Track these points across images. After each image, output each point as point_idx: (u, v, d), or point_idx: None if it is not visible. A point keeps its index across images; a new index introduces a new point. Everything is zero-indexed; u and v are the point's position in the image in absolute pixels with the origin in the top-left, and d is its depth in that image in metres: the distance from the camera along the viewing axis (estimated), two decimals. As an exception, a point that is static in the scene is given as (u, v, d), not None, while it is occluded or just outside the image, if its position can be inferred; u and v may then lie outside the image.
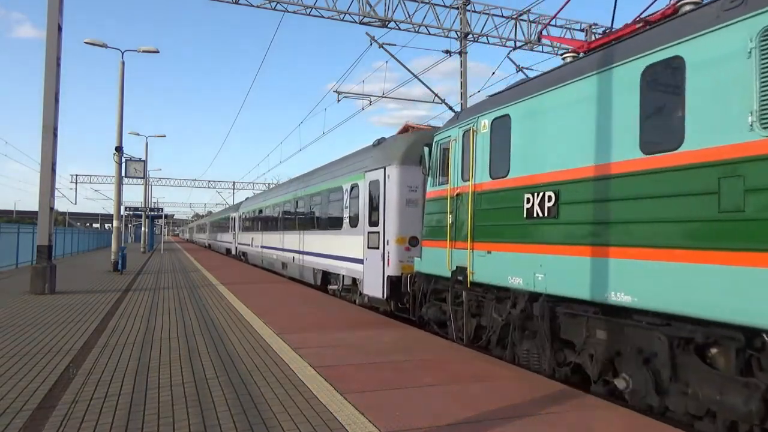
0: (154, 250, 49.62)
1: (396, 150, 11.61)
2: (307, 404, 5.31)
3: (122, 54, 25.18)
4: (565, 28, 22.68)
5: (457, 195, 8.69)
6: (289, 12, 19.13)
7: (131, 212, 51.57)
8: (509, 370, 6.88)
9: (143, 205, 48.77)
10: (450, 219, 8.81)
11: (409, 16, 20.31)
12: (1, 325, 9.35)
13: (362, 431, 4.61)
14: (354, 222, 13.20)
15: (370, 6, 19.63)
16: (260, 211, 27.62)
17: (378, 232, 11.63)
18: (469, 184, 8.32)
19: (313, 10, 19.11)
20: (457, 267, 8.57)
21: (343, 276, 14.06)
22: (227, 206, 57.10)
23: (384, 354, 7.54)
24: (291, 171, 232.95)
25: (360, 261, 12.57)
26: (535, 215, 6.85)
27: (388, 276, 11.16)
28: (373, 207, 12.03)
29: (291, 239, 20.19)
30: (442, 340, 8.80)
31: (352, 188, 13.55)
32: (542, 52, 22.49)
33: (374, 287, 11.73)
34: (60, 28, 14.36)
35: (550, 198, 6.61)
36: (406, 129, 17.17)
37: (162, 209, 58.13)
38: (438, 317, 9.58)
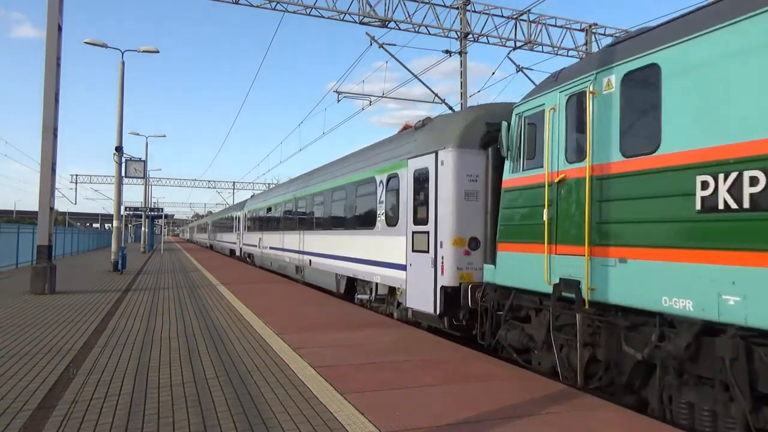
0: (154, 250, 49.63)
1: (451, 130, 9.36)
2: (307, 404, 5.31)
3: (122, 54, 25.22)
4: (565, 28, 22.71)
5: (559, 182, 6.67)
6: (289, 12, 19.14)
7: (131, 212, 51.60)
8: (509, 370, 6.88)
9: (143, 205, 48.80)
10: (547, 214, 6.78)
11: (409, 16, 20.32)
12: (1, 325, 9.35)
13: (362, 431, 4.62)
14: (392, 220, 11.19)
15: (370, 6, 19.64)
16: (269, 209, 25.17)
17: (427, 232, 9.56)
18: (582, 166, 6.29)
19: (313, 10, 19.12)
20: (561, 279, 6.51)
21: (377, 284, 12.04)
22: (227, 206, 57.01)
23: (384, 354, 7.54)
24: (291, 171, 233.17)
25: (401, 267, 10.55)
26: (720, 207, 4.75)
27: (442, 286, 8.99)
28: (420, 201, 9.94)
29: (307, 240, 18.00)
30: (442, 339, 8.79)
31: (389, 180, 11.48)
32: (542, 52, 22.49)
33: (422, 300, 9.61)
34: (60, 28, 14.37)
35: (754, 181, 4.49)
36: (405, 128, 17.12)
37: (162, 209, 58.19)
38: (522, 343, 7.48)
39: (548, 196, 6.82)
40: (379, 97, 22.91)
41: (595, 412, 5.21)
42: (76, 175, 63.71)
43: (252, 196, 36.10)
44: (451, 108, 15.94)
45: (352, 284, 13.94)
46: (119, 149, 23.91)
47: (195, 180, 75.02)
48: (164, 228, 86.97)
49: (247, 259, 31.85)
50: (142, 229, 49.03)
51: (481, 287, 8.49)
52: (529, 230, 7.20)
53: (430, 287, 9.32)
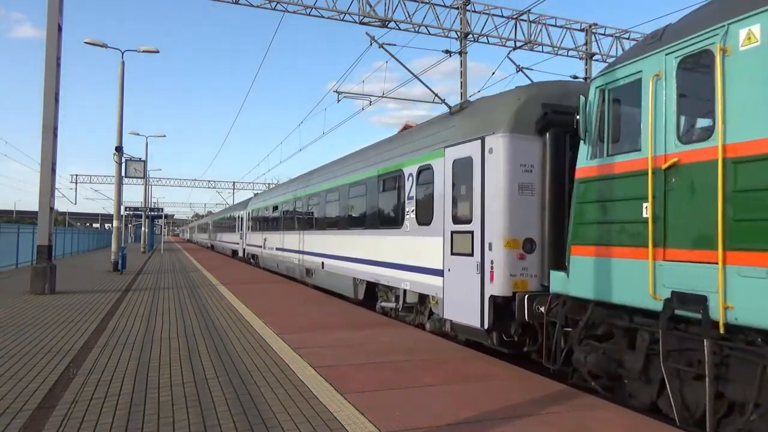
0: (154, 250, 49.63)
1: (501, 112, 8.04)
2: (307, 404, 5.31)
3: (122, 54, 25.23)
4: (565, 28, 22.72)
5: (668, 168, 5.30)
6: (289, 12, 19.16)
7: (131, 212, 51.67)
8: (509, 370, 6.87)
9: (143, 205, 48.83)
10: (651, 209, 5.40)
11: (409, 16, 20.34)
12: (1, 325, 9.35)
13: (362, 431, 4.62)
14: (425, 218, 9.88)
15: (370, 6, 19.65)
16: (275, 208, 23.53)
17: (470, 232, 8.29)
18: (709, 146, 4.94)
19: (313, 10, 19.13)
20: (674, 293, 5.15)
21: (405, 291, 10.77)
22: (227, 206, 56.90)
23: (384, 354, 7.54)
24: (291, 171, 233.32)
25: (437, 272, 9.24)
26: None
27: (492, 296, 7.72)
28: (461, 196, 8.69)
29: (320, 240, 16.47)
30: (441, 339, 8.78)
31: (420, 172, 10.16)
32: (542, 52, 22.50)
33: (464, 311, 8.34)
34: (60, 28, 14.37)
35: None
36: (405, 129, 17.02)
37: (162, 209, 58.24)
38: (608, 370, 6.09)
39: (652, 186, 5.41)
40: (379, 97, 22.95)
41: (595, 412, 5.21)
42: (76, 175, 63.80)
43: (256, 195, 35.07)
44: (450, 107, 15.83)
45: (373, 290, 12.63)
46: (119, 149, 23.92)
47: (195, 180, 75.14)
48: (164, 228, 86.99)
49: (251, 260, 30.69)
50: (142, 229, 49.05)
51: (539, 298, 7.27)
52: (619, 230, 5.82)
53: (475, 297, 8.02)
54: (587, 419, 5.01)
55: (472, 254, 8.23)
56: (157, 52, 25.86)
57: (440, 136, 9.63)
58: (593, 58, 23.29)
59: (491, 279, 7.77)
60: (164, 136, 45.70)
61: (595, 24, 23.18)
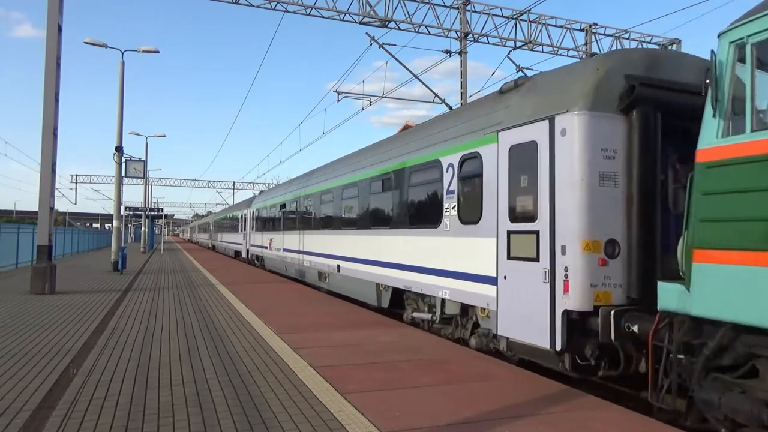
0: (154, 250, 49.64)
1: (577, 86, 6.63)
2: (307, 404, 5.32)
3: (122, 54, 25.24)
4: (565, 28, 22.73)
5: None
6: (289, 12, 19.20)
7: (131, 212, 51.71)
8: (509, 370, 6.88)
9: (143, 205, 48.85)
10: None
11: (409, 16, 20.36)
12: (2, 325, 9.35)
13: (362, 431, 4.62)
14: (471, 215, 8.48)
15: (370, 6, 19.67)
16: (283, 206, 21.99)
17: (535, 232, 6.88)
18: None
19: (313, 10, 19.15)
20: None
21: (444, 300, 9.35)
22: (228, 206, 56.79)
23: (384, 354, 7.54)
24: (291, 171, 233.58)
25: (488, 279, 7.86)
26: None
27: (566, 311, 6.32)
28: (521, 189, 7.25)
29: (336, 241, 14.93)
30: (441, 339, 8.78)
31: (463, 162, 8.75)
32: (542, 52, 22.52)
33: (528, 327, 6.93)
34: (60, 28, 14.39)
35: None
36: (405, 128, 16.96)
37: (162, 209, 58.29)
38: (752, 415, 4.51)
39: None
40: (379, 97, 22.93)
41: (595, 412, 5.21)
42: (76, 175, 63.96)
43: (261, 192, 34.31)
44: (450, 108, 15.73)
45: (400, 297, 11.31)
46: (119, 149, 23.94)
47: (195, 180, 75.46)
48: (164, 228, 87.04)
49: (255, 261, 29.26)
50: (142, 229, 49.05)
51: (629, 314, 5.96)
52: None
53: (542, 311, 6.64)
54: (587, 419, 5.01)
55: (537, 259, 6.85)
56: (157, 52, 25.89)
57: (490, 119, 8.20)
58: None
59: (565, 290, 6.38)
60: (164, 136, 45.56)
61: (595, 24, 23.24)
